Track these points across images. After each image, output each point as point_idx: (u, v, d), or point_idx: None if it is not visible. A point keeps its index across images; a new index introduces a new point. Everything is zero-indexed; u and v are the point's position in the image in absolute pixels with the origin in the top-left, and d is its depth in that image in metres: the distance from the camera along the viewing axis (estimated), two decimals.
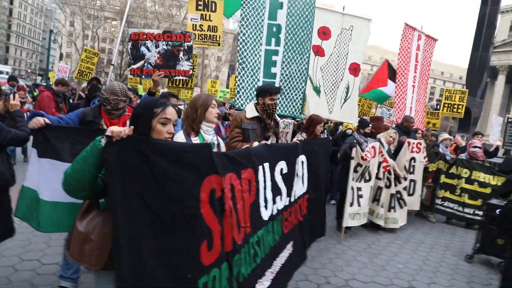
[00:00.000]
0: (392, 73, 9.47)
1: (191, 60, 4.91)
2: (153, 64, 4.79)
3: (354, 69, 6.85)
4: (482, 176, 6.91)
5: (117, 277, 1.69)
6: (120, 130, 1.64)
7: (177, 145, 2.20)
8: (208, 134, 2.98)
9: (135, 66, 4.81)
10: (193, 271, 2.01)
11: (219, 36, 5.36)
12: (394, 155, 6.46)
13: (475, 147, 7.31)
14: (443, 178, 7.23)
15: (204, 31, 5.27)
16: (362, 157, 5.44)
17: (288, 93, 6.12)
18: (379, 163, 5.97)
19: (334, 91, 6.72)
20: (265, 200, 3.08)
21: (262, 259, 2.97)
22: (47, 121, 2.57)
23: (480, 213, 6.27)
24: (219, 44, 5.51)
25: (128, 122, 2.93)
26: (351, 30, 6.72)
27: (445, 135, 8.12)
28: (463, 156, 7.47)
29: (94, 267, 1.80)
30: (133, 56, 4.83)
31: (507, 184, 4.18)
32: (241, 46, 5.89)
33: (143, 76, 5.00)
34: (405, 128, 7.05)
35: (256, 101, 3.88)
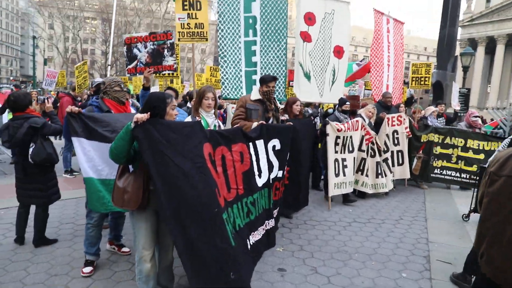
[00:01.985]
0: None
1: (174, 55, 5.42)
2: (144, 63, 5.31)
3: (338, 52, 7.14)
4: (476, 144, 7.38)
5: (162, 211, 2.54)
6: (142, 116, 2.42)
7: (178, 123, 2.93)
8: (209, 117, 3.68)
9: (130, 66, 5.34)
10: (217, 207, 2.77)
11: (206, 31, 5.76)
12: (376, 130, 6.90)
13: (475, 116, 7.83)
14: (438, 149, 7.66)
15: (192, 28, 5.69)
16: (338, 129, 5.88)
17: None
18: (362, 137, 6.44)
19: (323, 75, 6.98)
20: (259, 170, 3.85)
21: (256, 217, 3.77)
22: (79, 109, 3.27)
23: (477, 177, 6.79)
24: (206, 39, 5.89)
25: (132, 108, 3.89)
26: (333, 14, 6.98)
27: (432, 108, 8.62)
28: (462, 125, 7.94)
29: (132, 208, 2.63)
30: (128, 58, 5.36)
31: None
32: (220, 41, 6.28)
33: (137, 74, 5.54)
34: (384, 104, 7.53)
35: (259, 87, 4.74)
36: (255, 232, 3.76)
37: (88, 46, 57.52)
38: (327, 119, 6.24)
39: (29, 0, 50.65)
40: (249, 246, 3.50)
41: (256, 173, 3.78)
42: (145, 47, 5.31)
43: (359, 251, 4.37)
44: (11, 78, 77.45)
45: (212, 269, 2.60)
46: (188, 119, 3.67)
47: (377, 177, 6.65)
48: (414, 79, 9.05)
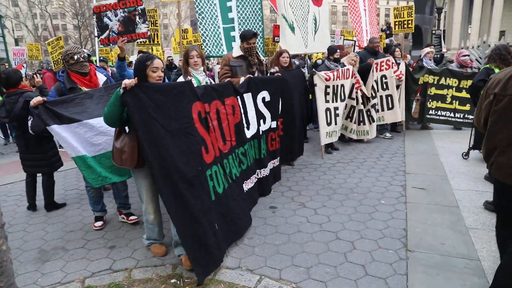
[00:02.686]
0: None
1: (146, 22, 5.22)
2: (116, 32, 5.17)
3: (316, 0, 7.07)
4: (469, 83, 7.07)
5: (152, 170, 2.63)
6: (130, 81, 2.49)
7: (167, 84, 3.07)
8: (200, 75, 3.77)
9: (102, 37, 5.20)
10: (201, 165, 2.92)
11: None
12: (362, 77, 6.84)
13: (464, 55, 7.73)
14: (433, 90, 7.64)
15: None
16: (326, 79, 5.89)
17: None
18: (353, 85, 6.52)
19: (305, 25, 6.87)
20: (247, 122, 4.04)
21: (247, 167, 4.02)
22: (43, 98, 3.19)
23: (470, 116, 7.19)
24: None
25: (98, 74, 3.76)
26: None
27: (427, 49, 8.41)
28: (453, 66, 7.86)
29: (130, 167, 2.83)
30: (99, 28, 5.20)
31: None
32: None
33: (110, 44, 5.35)
34: (372, 50, 7.39)
35: (240, 44, 4.79)
36: (248, 181, 4.01)
37: (58, 21, 55.11)
38: (314, 69, 6.27)
39: None
40: (245, 192, 3.80)
41: (245, 125, 3.96)
42: (116, 15, 5.15)
43: (342, 186, 4.82)
44: None
45: (201, 219, 2.74)
46: (181, 79, 3.75)
47: (359, 124, 6.86)
48: (396, 23, 8.85)
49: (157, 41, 8.96)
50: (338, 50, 6.69)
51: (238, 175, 3.72)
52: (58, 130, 3.17)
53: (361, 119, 6.86)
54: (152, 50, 15.08)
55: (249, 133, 4.06)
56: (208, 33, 6.30)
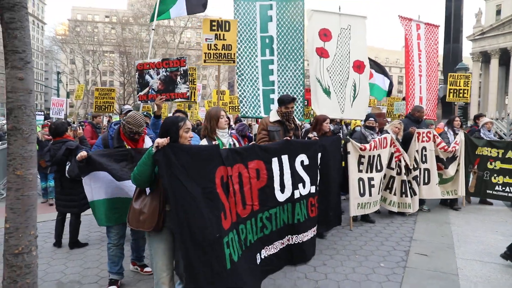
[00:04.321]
0: (374, 65, 10.16)
1: (187, 83, 5.26)
2: (155, 90, 5.20)
3: (358, 67, 6.92)
4: None
5: (176, 236, 2.63)
6: (162, 141, 2.54)
7: (196, 146, 3.12)
8: (224, 138, 3.73)
9: (142, 93, 5.25)
10: (220, 232, 2.84)
11: (233, 53, 5.59)
12: (404, 145, 6.62)
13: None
14: (498, 164, 7.11)
15: (219, 50, 5.54)
16: (360, 148, 5.71)
17: None
18: (392, 154, 6.27)
19: (343, 91, 6.72)
20: (282, 186, 3.86)
21: (272, 232, 3.76)
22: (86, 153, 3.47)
23: None
24: (233, 62, 5.70)
25: (146, 139, 3.90)
26: (349, 29, 6.81)
27: (486, 119, 7.91)
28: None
29: (147, 229, 2.70)
30: (140, 84, 5.28)
31: None
32: (238, 59, 6.23)
33: (148, 102, 5.38)
34: (415, 118, 7.09)
35: (277, 108, 4.81)
36: (270, 246, 3.75)
37: (107, 78, 60.23)
38: (347, 137, 6.15)
39: (53, 38, 53.73)
40: (258, 260, 3.51)
41: (277, 188, 3.79)
42: (157, 73, 5.22)
43: (347, 247, 4.97)
44: (36, 111, 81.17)
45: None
46: (204, 141, 3.67)
47: (401, 196, 6.42)
48: (451, 91, 8.49)
49: (194, 99, 9.03)
50: (371, 118, 6.53)
51: (254, 241, 3.51)
52: (87, 181, 3.48)
53: (403, 191, 6.40)
54: (189, 107, 15.98)
55: (283, 196, 3.88)
56: (246, 93, 6.36)
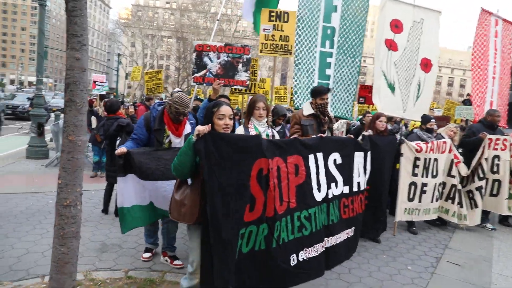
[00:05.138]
0: None
1: (248, 71, 5.17)
2: (214, 74, 5.08)
3: (425, 65, 6.48)
4: None
5: (208, 224, 2.48)
6: (203, 128, 2.40)
7: (235, 136, 2.90)
8: (261, 126, 3.59)
9: (198, 75, 5.11)
10: (239, 224, 2.70)
11: (291, 45, 5.46)
12: (471, 152, 6.17)
13: None
14: None
15: (276, 41, 5.43)
16: (417, 150, 5.41)
17: (339, 95, 6.28)
18: (452, 160, 5.85)
19: (407, 88, 6.30)
20: (318, 184, 3.59)
21: (312, 233, 3.43)
22: (126, 149, 3.42)
23: None
24: (290, 54, 5.58)
25: (186, 125, 3.80)
26: (422, 23, 6.37)
27: None
28: None
29: (188, 222, 2.60)
30: (197, 66, 5.13)
31: None
32: (297, 47, 5.94)
33: (204, 84, 5.28)
34: (489, 123, 6.39)
35: (311, 101, 4.54)
36: (310, 249, 3.41)
37: (163, 62, 62.72)
38: (402, 137, 5.81)
39: (116, 22, 56.83)
40: (292, 262, 3.18)
41: (315, 186, 3.55)
42: (218, 57, 5.09)
43: (377, 247, 4.95)
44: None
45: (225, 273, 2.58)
46: (240, 128, 3.57)
47: (461, 206, 5.91)
48: None
49: (254, 91, 9.03)
50: (432, 120, 6.03)
51: (287, 240, 3.20)
52: (121, 183, 3.43)
53: (458, 201, 5.88)
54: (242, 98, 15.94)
55: (320, 196, 3.62)
56: (301, 85, 6.09)
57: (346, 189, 4.04)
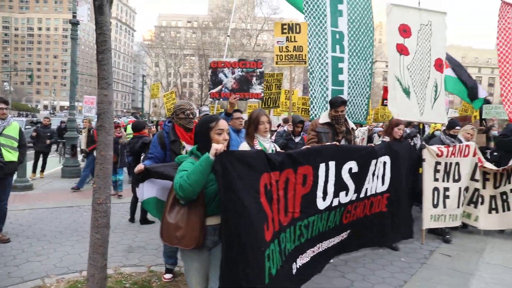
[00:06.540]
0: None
1: (262, 84, 5.32)
2: (229, 88, 5.23)
3: (440, 65, 6.47)
4: None
5: (224, 248, 2.32)
6: (221, 147, 2.30)
7: (245, 152, 2.87)
8: (266, 142, 3.55)
9: (214, 91, 5.28)
10: (263, 245, 2.59)
11: (305, 54, 5.64)
12: (507, 153, 6.00)
13: None
14: None
15: (290, 51, 5.64)
16: (437, 154, 5.38)
17: (354, 100, 6.39)
18: (476, 164, 5.78)
19: (423, 91, 6.23)
20: (324, 193, 3.58)
21: (307, 240, 3.49)
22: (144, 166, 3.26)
23: None
24: (305, 62, 5.73)
25: None
26: (430, 25, 6.40)
27: None
28: None
29: (187, 247, 2.39)
30: (213, 82, 5.31)
31: None
32: (308, 55, 5.94)
33: (220, 99, 5.45)
34: None
35: (329, 111, 4.74)
36: (303, 255, 3.48)
37: (186, 80, 64.70)
38: (423, 143, 5.83)
39: (140, 43, 59.43)
40: (294, 270, 3.24)
41: (320, 195, 3.54)
42: (232, 73, 5.25)
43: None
44: (124, 110, 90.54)
45: None
46: (244, 145, 3.52)
47: (489, 212, 5.87)
48: None
49: (278, 104, 8.92)
50: (458, 126, 5.88)
51: (291, 249, 3.25)
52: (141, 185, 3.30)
53: (493, 207, 5.81)
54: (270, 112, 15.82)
55: (323, 204, 3.62)
56: (316, 94, 6.12)
57: (354, 197, 4.07)
